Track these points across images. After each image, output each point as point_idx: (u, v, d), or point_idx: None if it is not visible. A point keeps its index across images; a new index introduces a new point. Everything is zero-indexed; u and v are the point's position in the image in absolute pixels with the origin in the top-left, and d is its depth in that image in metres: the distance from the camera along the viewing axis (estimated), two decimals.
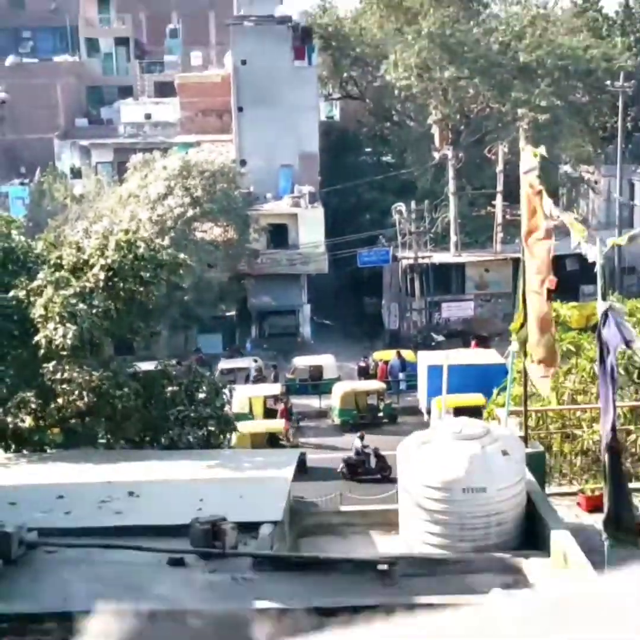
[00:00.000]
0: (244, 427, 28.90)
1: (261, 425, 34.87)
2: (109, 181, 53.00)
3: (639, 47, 67.04)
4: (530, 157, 10.74)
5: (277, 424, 35.17)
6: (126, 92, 67.73)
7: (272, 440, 33.56)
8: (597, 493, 12.16)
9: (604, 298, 8.55)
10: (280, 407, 37.34)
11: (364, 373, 43.38)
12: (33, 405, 15.15)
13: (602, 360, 8.65)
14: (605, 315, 8.38)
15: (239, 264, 48.39)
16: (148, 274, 16.62)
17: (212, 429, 20.51)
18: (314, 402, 40.76)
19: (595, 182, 61.12)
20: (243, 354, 47.24)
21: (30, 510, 13.17)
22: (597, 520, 10.82)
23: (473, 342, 45.34)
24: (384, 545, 11.83)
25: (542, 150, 10.68)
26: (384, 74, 58.58)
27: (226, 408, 20.87)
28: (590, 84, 58.54)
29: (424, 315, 50.67)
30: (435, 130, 59.69)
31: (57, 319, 14.99)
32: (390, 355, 44.42)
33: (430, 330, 49.91)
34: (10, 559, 11.34)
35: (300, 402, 40.37)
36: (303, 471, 26.20)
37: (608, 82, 55.59)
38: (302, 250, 50.36)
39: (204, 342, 48.24)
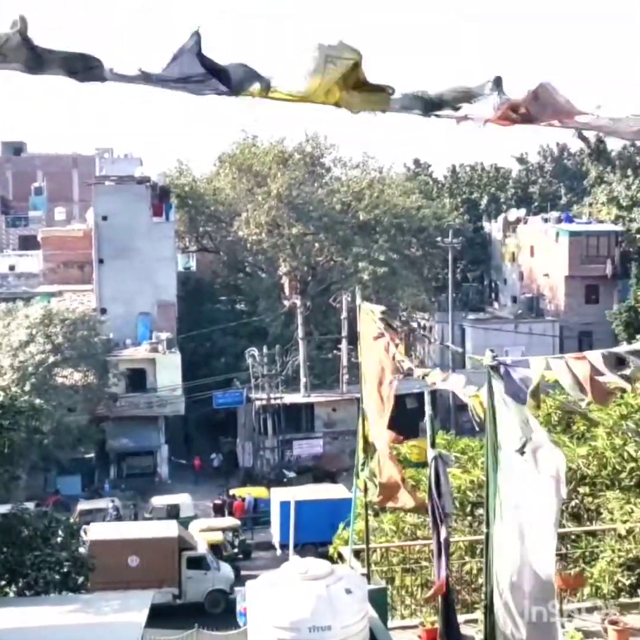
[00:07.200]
0: None
1: None
2: None
3: (466, 207, 70.73)
4: (371, 317, 10.95)
5: None
6: None
7: None
8: (436, 625, 12.07)
9: (433, 446, 8.73)
10: None
11: (220, 510, 42.61)
12: None
13: (433, 504, 8.74)
14: (434, 461, 8.54)
15: (97, 407, 47.44)
16: (7, 422, 16.14)
17: (69, 571, 19.75)
18: None
19: (430, 328, 63.11)
20: (102, 494, 45.83)
21: None
22: None
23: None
24: None
25: (378, 309, 10.95)
26: (237, 230, 59.73)
27: (81, 550, 20.03)
28: (423, 239, 61.09)
29: (277, 453, 50.54)
30: (284, 281, 60.89)
31: None
32: (245, 492, 43.94)
33: (282, 467, 49.70)
34: None
35: None
36: None
37: (439, 238, 58.23)
38: (159, 393, 49.82)
39: (62, 484, 46.66)
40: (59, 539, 19.37)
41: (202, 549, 33.58)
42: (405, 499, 10.92)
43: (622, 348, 8.07)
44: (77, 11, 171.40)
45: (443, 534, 8.40)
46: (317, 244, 58.58)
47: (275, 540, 37.98)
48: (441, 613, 8.87)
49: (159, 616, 29.31)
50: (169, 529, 33.43)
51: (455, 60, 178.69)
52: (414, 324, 64.54)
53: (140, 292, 52.35)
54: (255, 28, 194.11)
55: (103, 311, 51.93)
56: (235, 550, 38.07)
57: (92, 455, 48.06)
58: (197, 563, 32.78)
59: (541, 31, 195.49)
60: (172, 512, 41.40)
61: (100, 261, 53.37)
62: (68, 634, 14.10)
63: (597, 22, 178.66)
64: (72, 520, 25.51)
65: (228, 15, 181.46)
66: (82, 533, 20.35)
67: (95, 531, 32.48)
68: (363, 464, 12.06)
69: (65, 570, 19.83)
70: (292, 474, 48.43)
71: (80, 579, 20.41)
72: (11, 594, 19.08)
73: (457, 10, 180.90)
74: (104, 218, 53.49)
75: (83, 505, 41.77)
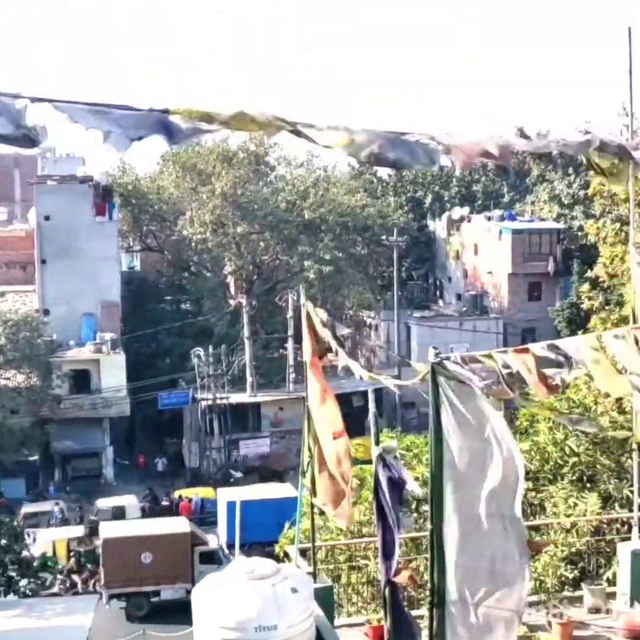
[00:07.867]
0: None
1: None
2: None
3: (410, 205, 71.05)
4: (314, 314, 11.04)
5: None
6: None
7: None
8: (382, 622, 12.07)
9: (377, 443, 8.75)
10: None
11: (166, 511, 42.27)
12: None
13: (378, 499, 8.76)
14: (380, 458, 8.57)
15: (41, 409, 46.82)
16: None
17: (14, 574, 19.60)
18: None
19: (376, 326, 63.32)
20: (46, 497, 45.28)
21: None
22: None
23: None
24: None
25: (320, 313, 11.03)
26: (181, 229, 59.35)
27: (25, 553, 19.86)
28: (368, 238, 61.24)
29: (223, 453, 50.33)
30: (230, 280, 60.66)
31: None
32: (192, 492, 43.71)
33: (229, 467, 49.51)
34: None
35: None
36: None
37: (384, 237, 58.42)
38: (104, 395, 49.30)
39: (6, 487, 46.01)
40: (2, 542, 19.22)
41: (213, 544, 33.47)
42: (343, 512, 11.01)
43: (562, 340, 8.18)
44: (77, 11, 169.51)
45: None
46: (262, 243, 58.45)
47: (222, 540, 37.81)
48: (389, 609, 8.88)
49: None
50: (181, 524, 33.40)
51: (455, 60, 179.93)
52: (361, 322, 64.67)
53: (84, 292, 51.75)
54: (255, 28, 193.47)
55: (46, 312, 51.28)
56: None
57: (36, 457, 47.50)
58: (210, 558, 32.66)
59: (541, 31, 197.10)
60: (118, 514, 41.02)
61: (43, 261, 52.69)
62: (12, 638, 13.87)
63: (597, 22, 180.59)
64: (15, 523, 25.21)
65: (228, 15, 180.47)
66: (26, 536, 20.10)
67: (108, 529, 32.40)
68: (308, 463, 12.04)
69: (9, 573, 19.66)
70: (238, 474, 48.28)
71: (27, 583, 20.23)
72: None
73: (457, 10, 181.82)
74: (46, 218, 52.82)
75: (27, 508, 41.29)
